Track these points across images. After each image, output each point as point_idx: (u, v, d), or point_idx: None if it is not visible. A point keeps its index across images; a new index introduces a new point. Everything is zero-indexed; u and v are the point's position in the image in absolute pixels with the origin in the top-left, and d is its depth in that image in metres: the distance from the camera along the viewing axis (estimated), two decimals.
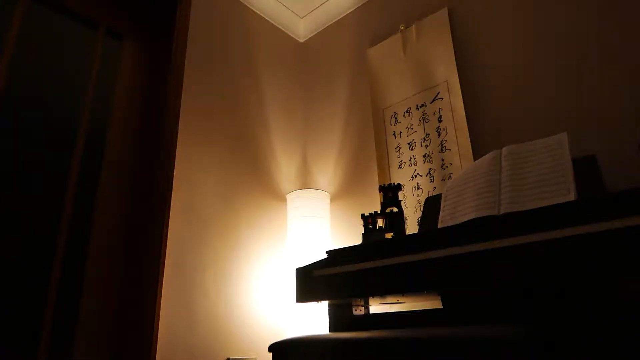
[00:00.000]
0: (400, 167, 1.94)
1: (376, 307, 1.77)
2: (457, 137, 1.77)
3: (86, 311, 1.53)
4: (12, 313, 1.40)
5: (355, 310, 1.45)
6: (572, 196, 1.00)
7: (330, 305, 1.43)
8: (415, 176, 1.88)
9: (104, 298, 1.59)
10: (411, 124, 1.96)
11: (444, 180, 1.78)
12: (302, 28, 2.71)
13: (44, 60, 1.67)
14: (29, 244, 1.48)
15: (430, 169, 1.83)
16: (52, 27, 1.73)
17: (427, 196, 1.77)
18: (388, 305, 1.74)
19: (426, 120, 1.91)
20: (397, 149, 1.98)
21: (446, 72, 1.88)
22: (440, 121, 1.85)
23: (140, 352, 1.51)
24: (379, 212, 1.49)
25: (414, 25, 2.08)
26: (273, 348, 1.10)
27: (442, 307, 1.30)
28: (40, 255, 1.50)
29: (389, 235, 1.45)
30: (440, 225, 1.25)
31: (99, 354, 1.52)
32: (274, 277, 2.02)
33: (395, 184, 1.51)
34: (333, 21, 2.58)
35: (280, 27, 2.60)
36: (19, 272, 1.44)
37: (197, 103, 1.96)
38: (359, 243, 1.70)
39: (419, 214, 1.82)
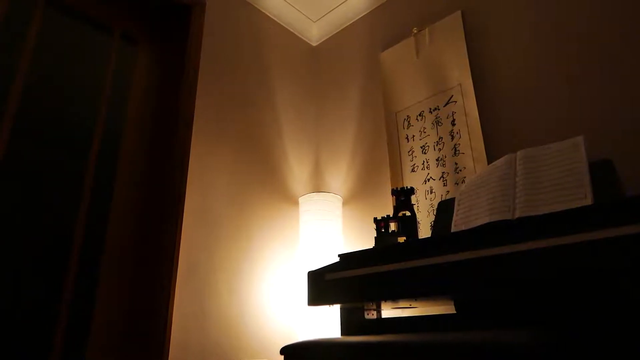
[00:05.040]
0: (413, 170, 1.93)
1: (388, 312, 1.76)
2: (470, 141, 1.76)
3: (100, 311, 1.55)
4: (27, 314, 1.43)
5: (367, 314, 1.44)
6: (588, 200, 0.98)
7: (342, 309, 1.43)
8: (428, 180, 1.87)
9: (118, 298, 1.61)
10: (424, 128, 1.95)
11: (457, 184, 1.76)
12: (314, 32, 2.72)
13: (60, 64, 1.71)
14: (45, 245, 1.51)
15: (443, 172, 1.82)
16: (69, 32, 1.77)
17: (440, 200, 1.76)
18: (400, 310, 1.73)
19: (439, 124, 1.90)
20: (410, 153, 1.97)
21: (460, 76, 1.87)
22: (453, 124, 1.84)
23: (153, 352, 1.52)
24: (391, 215, 1.48)
25: (427, 29, 2.07)
26: (285, 351, 1.10)
27: (455, 312, 1.29)
28: (55, 257, 1.52)
29: (401, 239, 1.44)
30: (453, 230, 1.24)
31: (112, 353, 1.54)
32: (286, 280, 2.02)
33: (408, 187, 1.50)
34: (346, 25, 2.59)
35: (293, 30, 2.61)
36: (35, 273, 1.47)
37: (211, 106, 1.98)
38: (371, 247, 1.70)
39: (432, 217, 1.81)
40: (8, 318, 1.38)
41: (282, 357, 1.82)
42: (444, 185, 1.80)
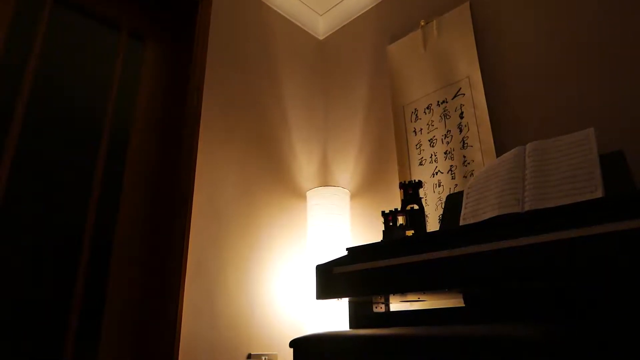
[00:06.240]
0: (420, 164, 1.93)
1: (397, 305, 1.76)
2: (479, 134, 1.75)
3: (111, 308, 1.57)
4: (40, 309, 1.45)
5: (376, 307, 1.45)
6: (599, 193, 0.97)
7: (350, 302, 1.43)
8: (436, 173, 1.86)
9: (129, 295, 1.63)
10: (432, 121, 1.94)
11: (466, 177, 1.75)
12: (321, 25, 2.71)
13: (68, 61, 1.72)
14: (56, 243, 1.53)
15: (451, 165, 1.81)
16: (77, 29, 1.78)
17: (448, 193, 1.75)
18: (409, 303, 1.73)
19: (447, 117, 1.88)
20: (418, 146, 1.96)
21: (468, 68, 1.86)
22: (461, 117, 1.83)
23: (163, 348, 1.54)
24: (399, 209, 1.48)
25: (434, 21, 2.05)
26: (294, 344, 1.11)
27: (463, 305, 1.29)
28: (67, 253, 1.54)
29: (409, 233, 1.44)
30: (462, 223, 1.23)
31: (123, 349, 1.56)
32: (295, 274, 2.03)
33: (416, 181, 1.50)
34: (352, 18, 2.57)
35: (299, 25, 2.60)
36: (46, 270, 1.49)
37: (218, 102, 1.99)
38: (379, 240, 1.70)
39: (440, 211, 1.80)
40: (21, 312, 1.40)
41: (292, 350, 1.83)
42: (452, 179, 1.80)
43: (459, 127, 1.83)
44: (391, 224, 1.45)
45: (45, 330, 1.43)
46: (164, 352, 1.53)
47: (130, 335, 1.59)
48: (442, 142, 1.87)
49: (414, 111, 2.03)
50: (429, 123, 1.95)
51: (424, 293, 1.16)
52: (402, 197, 1.50)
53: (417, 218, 1.44)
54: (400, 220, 1.46)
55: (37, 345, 1.41)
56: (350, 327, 1.41)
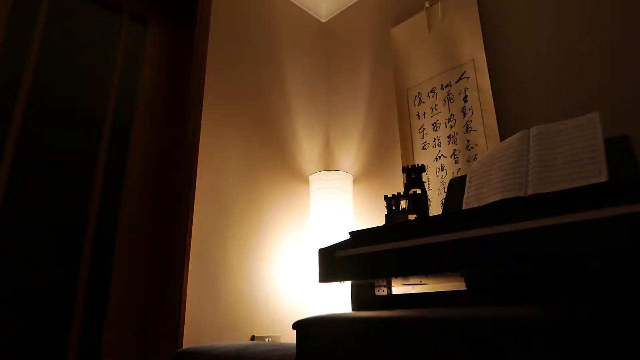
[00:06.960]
0: (424, 148, 1.92)
1: (399, 288, 1.78)
2: (483, 118, 1.74)
3: (116, 292, 1.59)
4: (46, 292, 1.47)
5: (378, 290, 1.46)
6: (603, 177, 0.97)
7: (352, 286, 1.44)
8: (440, 157, 1.85)
9: (133, 280, 1.64)
10: (435, 105, 1.93)
11: (469, 161, 1.75)
12: (324, 7, 2.67)
13: (70, 45, 1.70)
14: (60, 228, 1.54)
15: (454, 150, 1.81)
16: (77, 12, 1.76)
17: (451, 177, 1.75)
18: (411, 287, 1.75)
19: (451, 101, 1.87)
20: (421, 130, 1.95)
21: (473, 51, 1.83)
22: (465, 101, 1.81)
23: (168, 331, 1.56)
24: (402, 193, 1.48)
25: (439, 3, 2.02)
26: (297, 325, 1.12)
27: (465, 288, 1.30)
28: (72, 240, 1.55)
29: (412, 217, 1.44)
30: (464, 207, 1.23)
31: (128, 332, 1.58)
32: (297, 258, 2.05)
33: (419, 165, 1.49)
34: (356, 0, 2.53)
35: (302, 7, 2.56)
36: (51, 254, 1.50)
37: (220, 86, 1.98)
38: (382, 224, 1.70)
39: (443, 195, 1.80)
40: (28, 294, 1.42)
41: (295, 331, 1.85)
42: (456, 163, 1.79)
43: (462, 111, 1.82)
44: (394, 208, 1.45)
45: (51, 311, 1.45)
46: (168, 335, 1.55)
47: (135, 319, 1.61)
48: (446, 126, 1.86)
49: (417, 95, 2.01)
50: (433, 107, 1.93)
51: (426, 276, 1.17)
52: (405, 181, 1.50)
53: (419, 202, 1.44)
54: (403, 204, 1.47)
55: (43, 326, 1.43)
56: (353, 310, 1.43)
